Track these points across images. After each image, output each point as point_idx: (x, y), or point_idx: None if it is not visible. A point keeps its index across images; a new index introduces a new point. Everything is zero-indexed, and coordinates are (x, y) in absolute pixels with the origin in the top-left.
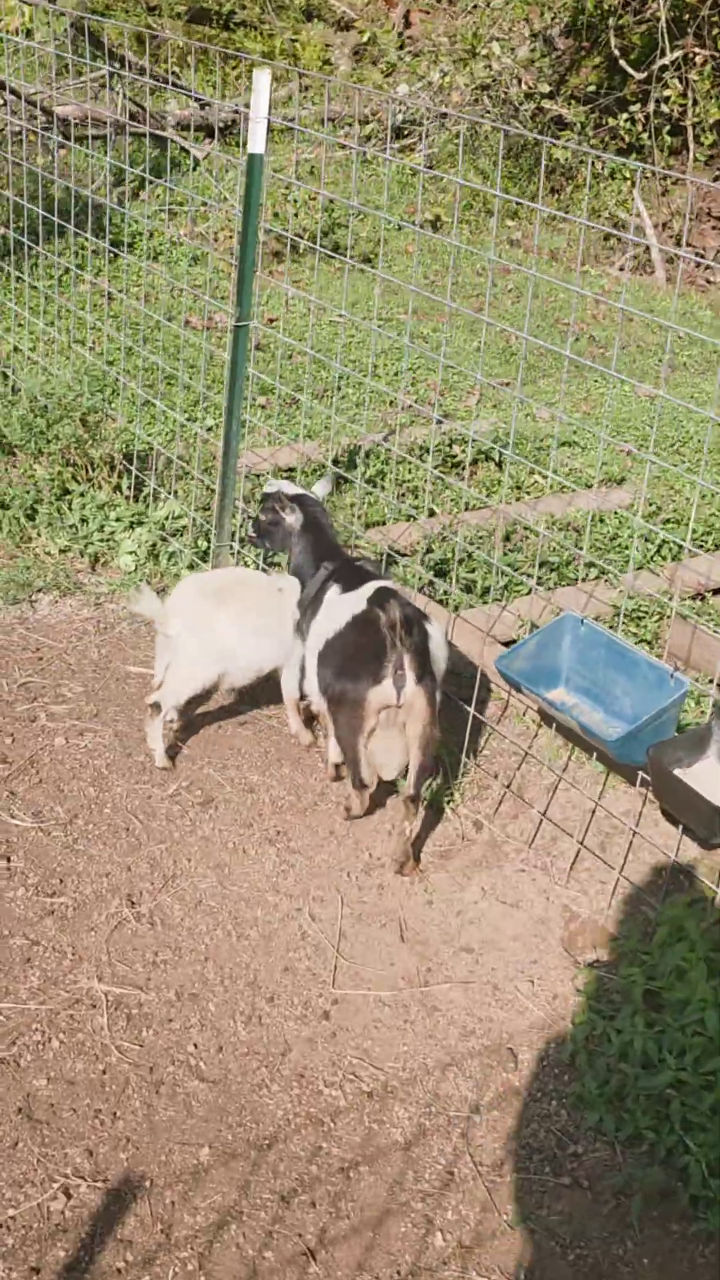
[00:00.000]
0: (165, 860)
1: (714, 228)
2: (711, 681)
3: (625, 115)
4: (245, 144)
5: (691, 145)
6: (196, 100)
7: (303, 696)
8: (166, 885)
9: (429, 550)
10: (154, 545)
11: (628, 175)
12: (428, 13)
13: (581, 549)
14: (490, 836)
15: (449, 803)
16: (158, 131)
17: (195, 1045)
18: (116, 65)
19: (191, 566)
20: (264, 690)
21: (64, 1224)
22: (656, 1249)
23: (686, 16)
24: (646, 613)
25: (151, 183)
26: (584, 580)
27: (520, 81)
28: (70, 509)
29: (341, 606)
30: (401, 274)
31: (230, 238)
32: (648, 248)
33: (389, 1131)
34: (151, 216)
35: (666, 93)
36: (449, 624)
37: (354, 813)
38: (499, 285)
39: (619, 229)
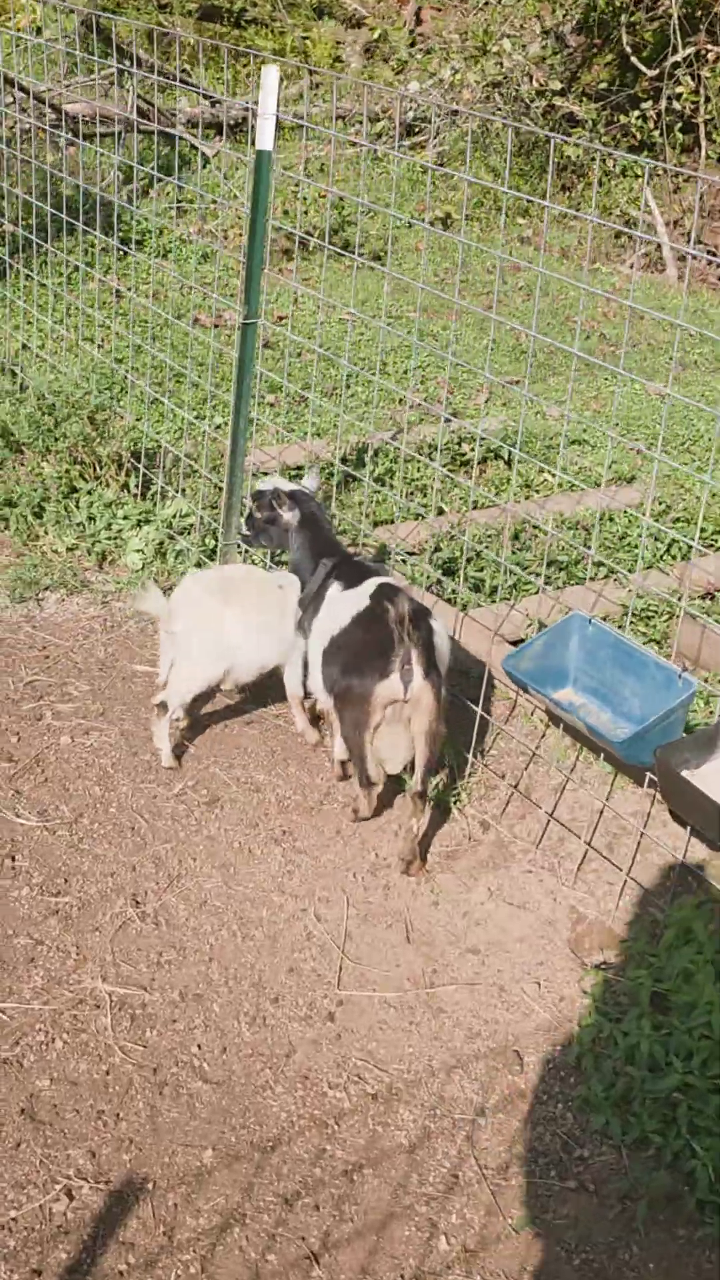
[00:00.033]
0: (170, 860)
1: None
2: None
3: (637, 112)
4: (254, 141)
5: (704, 142)
6: (207, 98)
7: (307, 694)
8: (171, 885)
9: (437, 549)
10: (161, 543)
11: (639, 172)
12: (439, 10)
13: (590, 548)
14: (497, 837)
15: (456, 803)
16: (167, 129)
17: (199, 1046)
18: (127, 63)
19: (199, 565)
20: (270, 689)
21: (66, 1226)
22: (663, 1254)
23: (699, 13)
24: (655, 612)
25: (161, 180)
26: (593, 579)
27: (531, 79)
28: (78, 507)
29: (344, 603)
30: (411, 272)
31: (240, 235)
32: (659, 245)
33: (393, 1134)
34: (161, 214)
35: (678, 89)
36: (457, 623)
37: (361, 814)
38: (509, 283)
39: (630, 227)
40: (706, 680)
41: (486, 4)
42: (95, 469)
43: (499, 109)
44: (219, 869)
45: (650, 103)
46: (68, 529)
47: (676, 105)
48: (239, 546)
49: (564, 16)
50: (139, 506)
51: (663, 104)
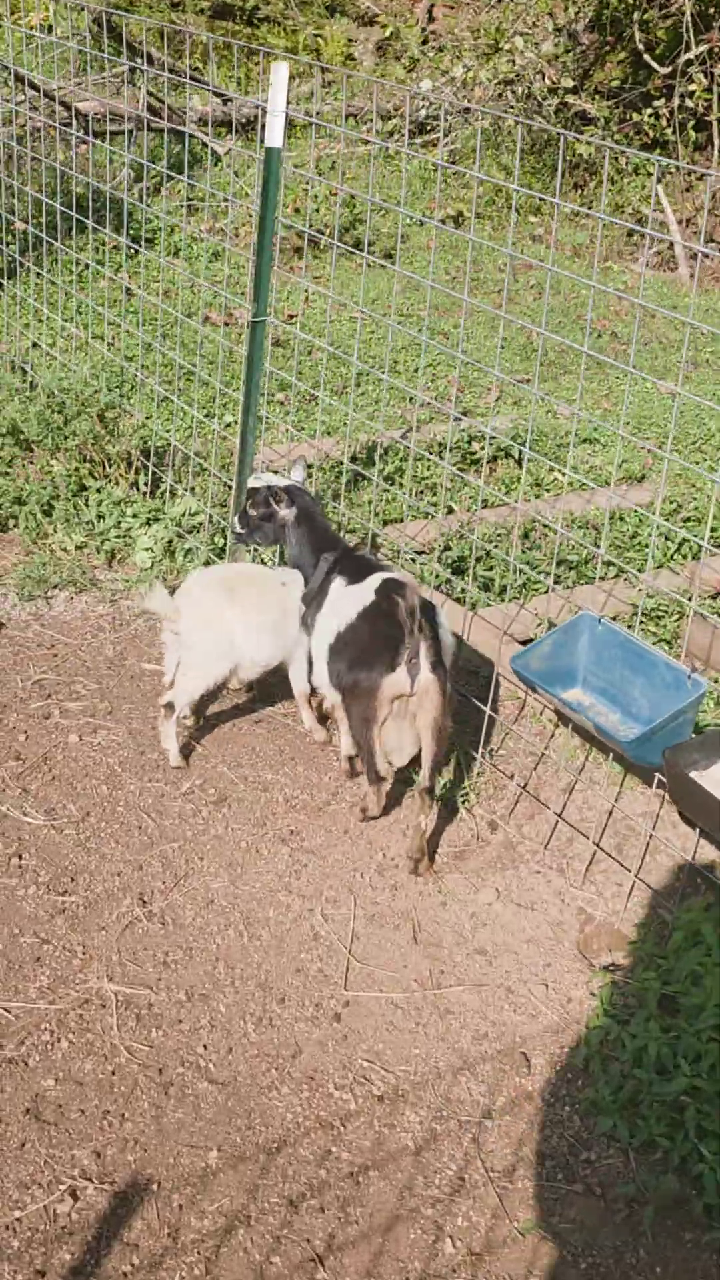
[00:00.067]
0: (177, 859)
1: None
2: None
3: (649, 110)
4: (263, 138)
5: (716, 140)
6: (218, 95)
7: (314, 691)
8: (178, 884)
9: (447, 548)
10: (170, 542)
11: (651, 171)
12: (451, 8)
13: (600, 547)
14: (505, 837)
15: (464, 803)
16: (179, 127)
17: (205, 1046)
18: (138, 60)
19: (208, 563)
20: (278, 688)
21: (70, 1226)
22: (669, 1258)
23: (712, 10)
24: (666, 612)
25: (172, 178)
26: (603, 579)
27: (544, 76)
28: (87, 505)
29: (349, 598)
30: (422, 270)
31: (251, 233)
32: (671, 244)
33: (399, 1136)
34: (172, 212)
35: (691, 87)
36: (466, 622)
37: (370, 812)
38: (520, 281)
39: (642, 225)
40: (717, 681)
41: (499, 1)
42: (105, 467)
43: (511, 107)
44: (226, 868)
45: (663, 100)
46: (77, 527)
47: (689, 103)
48: (248, 545)
49: (576, 14)
50: (148, 505)
51: (675, 102)
